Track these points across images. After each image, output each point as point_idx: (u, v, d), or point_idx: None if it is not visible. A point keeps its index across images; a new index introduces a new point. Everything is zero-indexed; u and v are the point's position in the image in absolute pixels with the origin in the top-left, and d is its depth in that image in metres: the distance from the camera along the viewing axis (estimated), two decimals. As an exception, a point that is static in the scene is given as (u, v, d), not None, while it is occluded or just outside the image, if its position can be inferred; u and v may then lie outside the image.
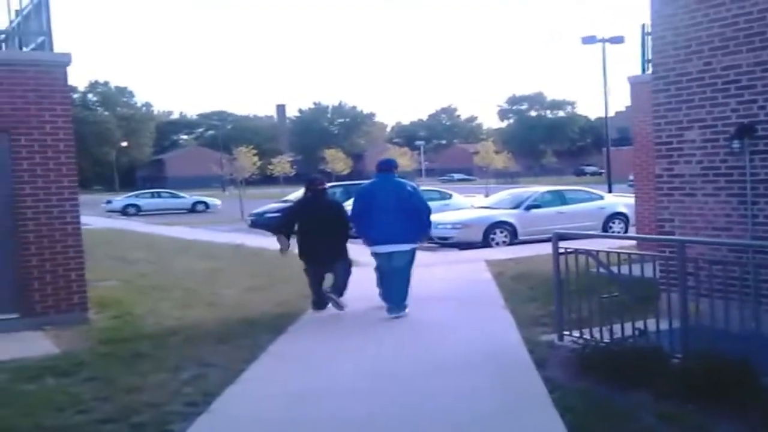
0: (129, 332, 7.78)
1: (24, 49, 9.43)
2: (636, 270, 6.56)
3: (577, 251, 6.77)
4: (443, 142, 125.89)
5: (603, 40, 32.35)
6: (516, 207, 17.19)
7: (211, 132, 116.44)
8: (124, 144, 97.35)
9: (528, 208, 17.07)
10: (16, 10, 9.73)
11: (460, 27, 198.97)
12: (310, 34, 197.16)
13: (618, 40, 32.48)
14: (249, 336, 7.45)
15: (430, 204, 9.38)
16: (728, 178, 7.11)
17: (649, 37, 12.33)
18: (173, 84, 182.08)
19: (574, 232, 8.53)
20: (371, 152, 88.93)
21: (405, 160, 62.63)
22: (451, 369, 6.11)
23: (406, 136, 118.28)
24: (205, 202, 41.60)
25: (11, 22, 9.82)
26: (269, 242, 18.07)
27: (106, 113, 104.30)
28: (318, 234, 8.61)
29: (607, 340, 6.19)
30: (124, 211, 39.24)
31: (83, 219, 31.69)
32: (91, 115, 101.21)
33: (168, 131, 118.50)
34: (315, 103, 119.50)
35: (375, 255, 8.75)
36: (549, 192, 18.50)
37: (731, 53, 6.95)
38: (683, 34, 7.37)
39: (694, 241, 6.73)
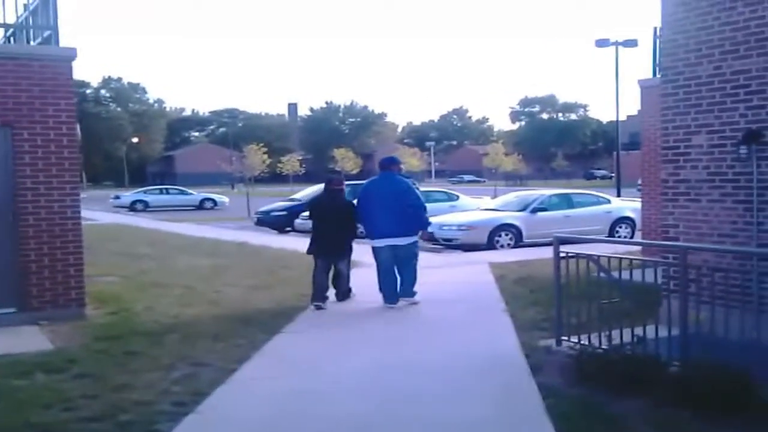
0: (125, 329, 7.72)
1: (31, 43, 9.41)
2: (638, 276, 6.44)
3: (578, 255, 6.68)
4: (454, 143, 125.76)
5: (616, 43, 32.12)
6: (522, 210, 17.06)
7: (222, 129, 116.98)
8: (135, 140, 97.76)
9: (534, 210, 16.93)
10: (24, 5, 9.73)
11: (473, 28, 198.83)
12: (323, 32, 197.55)
13: (631, 43, 32.24)
14: (245, 335, 7.38)
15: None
16: (735, 184, 6.98)
17: (660, 41, 12.32)
18: (186, 81, 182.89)
19: (576, 236, 8.38)
20: (381, 152, 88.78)
21: (415, 160, 62.62)
22: (444, 373, 6.01)
23: (417, 137, 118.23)
24: (213, 199, 41.61)
25: (19, 16, 9.80)
26: (273, 240, 18.09)
27: (119, 109, 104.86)
28: (330, 230, 9.12)
29: (606, 347, 6.08)
30: (131, 207, 39.31)
31: (90, 214, 31.77)
32: (103, 110, 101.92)
33: (179, 128, 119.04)
34: (327, 102, 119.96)
35: (374, 249, 9.12)
36: (556, 195, 18.36)
37: (741, 57, 6.81)
38: (694, 37, 7.24)
39: (697, 248, 6.60)
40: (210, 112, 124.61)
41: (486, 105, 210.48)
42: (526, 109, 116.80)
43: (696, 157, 7.32)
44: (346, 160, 61.35)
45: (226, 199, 41.98)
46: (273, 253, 14.94)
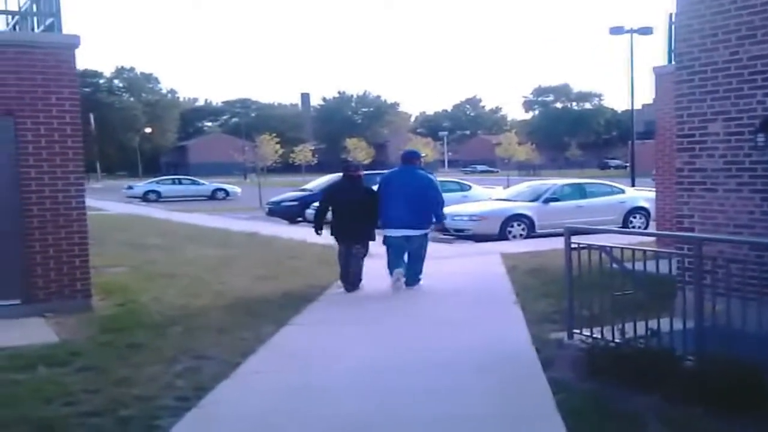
0: (130, 321, 7.64)
1: (34, 30, 9.30)
2: (651, 267, 6.27)
3: (590, 246, 6.52)
4: (467, 132, 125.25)
5: (631, 31, 31.68)
6: (534, 200, 16.86)
7: (234, 119, 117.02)
8: (149, 130, 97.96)
9: (546, 201, 16.73)
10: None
11: (486, 17, 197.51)
12: (337, 22, 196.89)
13: (646, 31, 31.79)
14: (251, 327, 7.27)
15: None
16: (752, 173, 6.78)
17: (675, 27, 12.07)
18: (199, 71, 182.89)
19: (588, 226, 8.21)
20: (394, 142, 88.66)
21: (428, 150, 62.40)
22: (452, 368, 5.86)
23: (430, 126, 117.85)
24: (225, 190, 41.61)
25: (23, 4, 9.70)
26: (284, 230, 18.01)
27: (132, 99, 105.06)
28: (350, 217, 9.35)
29: (618, 340, 5.93)
30: (144, 197, 39.39)
31: (103, 204, 31.76)
32: (117, 100, 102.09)
33: (192, 118, 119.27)
34: (339, 92, 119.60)
35: (387, 237, 9.51)
36: (569, 185, 18.13)
37: (759, 42, 6.60)
38: (709, 21, 7.03)
39: (713, 239, 6.41)
40: (223, 102, 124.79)
41: (499, 94, 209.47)
42: (540, 99, 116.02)
43: (712, 146, 7.12)
44: (358, 150, 61.18)
45: (238, 189, 41.97)
46: (283, 244, 14.85)
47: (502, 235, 15.76)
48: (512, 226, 16.03)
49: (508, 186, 26.00)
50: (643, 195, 18.05)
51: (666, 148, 12.29)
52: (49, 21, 8.80)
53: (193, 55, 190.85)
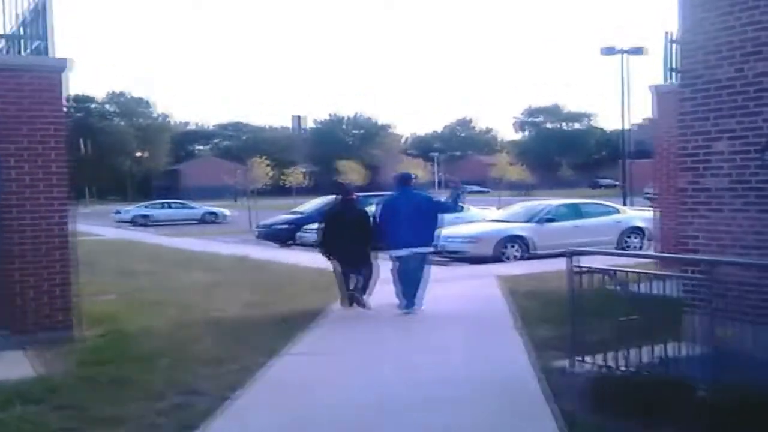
0: (115, 353, 7.30)
1: (22, 54, 9.06)
2: (655, 289, 6.01)
3: (593, 270, 6.27)
4: (458, 153, 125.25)
5: (623, 51, 31.82)
6: (530, 220, 16.63)
7: (226, 143, 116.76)
8: (140, 154, 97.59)
9: (542, 221, 16.50)
10: (17, 15, 9.40)
11: (477, 39, 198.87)
12: (328, 45, 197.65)
13: (638, 51, 31.94)
14: (241, 359, 6.96)
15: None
16: (759, 192, 6.54)
17: (674, 45, 11.90)
18: (192, 95, 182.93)
19: (591, 249, 7.94)
20: (386, 163, 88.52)
21: (420, 171, 62.23)
22: (451, 401, 5.56)
23: (422, 148, 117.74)
24: (215, 213, 41.24)
25: (11, 27, 9.48)
26: (275, 254, 17.70)
27: (123, 123, 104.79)
28: (347, 239, 9.52)
29: (625, 368, 5.66)
30: (133, 222, 38.94)
31: (92, 229, 31.31)
32: (108, 125, 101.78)
33: (185, 141, 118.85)
34: (331, 114, 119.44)
35: (394, 258, 9.69)
36: (564, 205, 17.93)
37: (765, 59, 6.40)
38: (713, 38, 6.83)
39: (726, 262, 6.16)
40: (215, 126, 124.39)
41: (490, 115, 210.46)
42: (531, 119, 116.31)
43: (717, 165, 6.89)
44: (352, 172, 60.96)
45: (228, 212, 41.59)
46: (274, 268, 14.54)
47: (497, 257, 15.50)
48: (507, 248, 15.78)
49: (500, 206, 25.77)
50: (639, 215, 17.86)
51: (665, 168, 12.10)
52: (36, 44, 8.56)
53: (186, 79, 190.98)
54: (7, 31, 9.09)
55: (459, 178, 16.05)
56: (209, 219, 40.34)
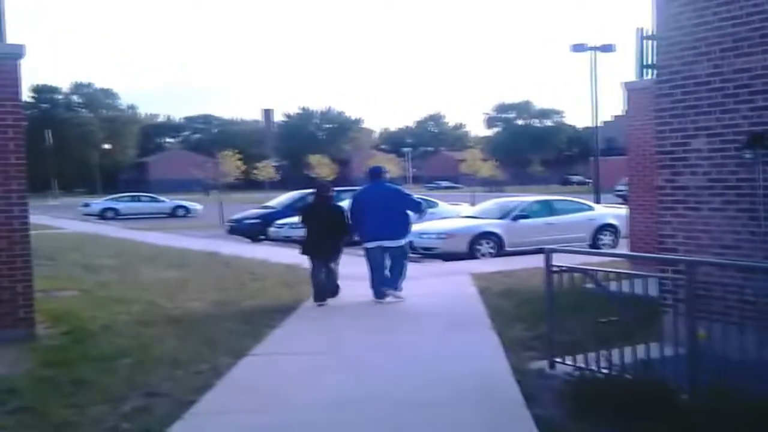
0: (76, 353, 7.00)
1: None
2: (630, 287, 5.89)
3: (572, 269, 6.15)
4: (430, 149, 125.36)
5: (593, 48, 31.92)
6: (503, 217, 16.51)
7: (196, 136, 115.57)
8: (108, 146, 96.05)
9: (515, 218, 16.40)
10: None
11: (448, 34, 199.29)
12: (299, 38, 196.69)
13: (608, 48, 32.08)
14: (208, 359, 6.72)
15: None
16: (738, 191, 6.47)
17: (647, 41, 11.86)
18: (160, 87, 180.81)
19: (567, 247, 7.84)
20: (357, 158, 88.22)
21: (391, 166, 61.92)
22: (424, 405, 5.38)
23: (393, 143, 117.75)
24: (185, 207, 40.60)
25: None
26: (245, 250, 17.39)
27: (90, 115, 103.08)
28: (322, 234, 9.80)
29: (605, 369, 5.53)
30: (101, 215, 38.20)
31: (58, 222, 30.72)
32: (74, 116, 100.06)
33: (153, 134, 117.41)
34: (302, 108, 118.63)
35: (366, 249, 9.91)
36: (537, 202, 17.85)
37: (744, 55, 6.31)
38: (690, 34, 6.73)
39: (707, 263, 6.06)
40: (184, 118, 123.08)
41: (462, 111, 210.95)
42: (502, 115, 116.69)
43: (695, 163, 6.80)
44: (322, 167, 60.58)
45: (198, 206, 41.01)
46: (243, 264, 14.24)
47: (470, 254, 15.37)
48: (481, 244, 15.66)
49: (474, 202, 25.69)
50: (611, 212, 17.86)
51: (638, 165, 12.05)
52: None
53: (154, 72, 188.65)
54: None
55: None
56: (180, 213, 39.72)
